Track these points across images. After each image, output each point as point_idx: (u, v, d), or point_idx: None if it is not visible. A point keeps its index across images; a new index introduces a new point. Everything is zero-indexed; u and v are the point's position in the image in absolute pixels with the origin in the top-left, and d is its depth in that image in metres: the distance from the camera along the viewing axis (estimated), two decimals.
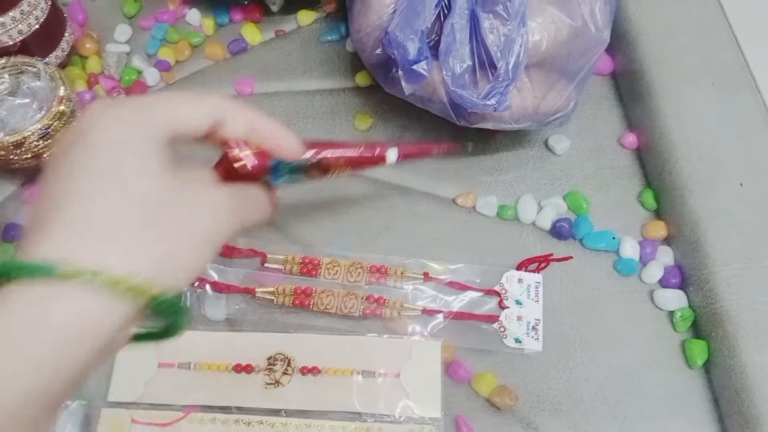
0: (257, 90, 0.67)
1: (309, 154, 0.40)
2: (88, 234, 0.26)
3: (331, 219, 0.59)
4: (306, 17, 0.71)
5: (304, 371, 0.50)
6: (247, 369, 0.50)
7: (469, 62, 0.50)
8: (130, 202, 0.27)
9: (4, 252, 0.58)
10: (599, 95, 0.65)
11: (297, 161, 0.39)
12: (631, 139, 0.62)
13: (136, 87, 0.67)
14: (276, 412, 0.49)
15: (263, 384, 0.50)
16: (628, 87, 0.64)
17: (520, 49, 0.49)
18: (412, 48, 0.49)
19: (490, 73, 0.52)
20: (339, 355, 0.51)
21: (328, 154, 0.42)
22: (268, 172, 0.39)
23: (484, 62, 0.52)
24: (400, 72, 0.52)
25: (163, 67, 0.69)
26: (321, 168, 0.42)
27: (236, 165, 0.33)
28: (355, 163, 0.44)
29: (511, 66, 0.50)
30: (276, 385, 0.50)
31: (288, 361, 0.51)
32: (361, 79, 0.67)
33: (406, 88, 0.52)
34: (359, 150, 0.44)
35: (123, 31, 0.70)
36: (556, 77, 0.54)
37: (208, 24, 0.71)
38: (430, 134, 0.63)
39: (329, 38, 0.70)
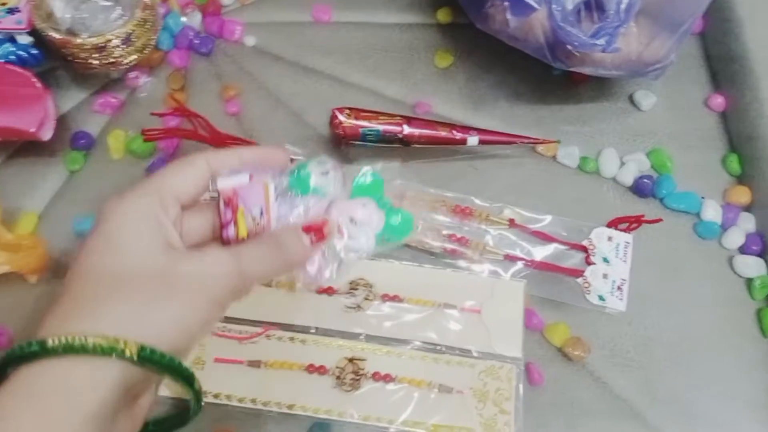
0: (335, 18, 0.65)
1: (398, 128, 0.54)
2: (85, 306, 0.30)
3: (413, 154, 0.57)
4: None
5: (386, 298, 0.50)
6: (329, 291, 0.50)
7: None
8: (128, 277, 0.31)
9: (73, 161, 0.57)
10: (687, 54, 0.64)
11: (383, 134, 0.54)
12: (718, 100, 0.61)
13: (210, 6, 0.65)
14: (355, 336, 0.49)
15: (344, 307, 0.50)
16: (719, 47, 0.62)
17: None
18: None
19: (596, 16, 0.50)
20: (421, 286, 0.50)
21: (414, 132, 0.54)
22: (359, 137, 0.54)
23: (591, 3, 0.50)
24: (506, 3, 0.50)
25: None
26: (404, 141, 0.55)
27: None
28: (436, 142, 0.56)
29: (623, 6, 0.48)
30: (357, 309, 0.49)
31: (370, 287, 0.50)
32: (443, 16, 0.65)
33: (512, 20, 0.50)
34: (442, 131, 0.55)
35: None
36: (660, 27, 0.52)
37: None
38: (512, 75, 0.62)
39: None
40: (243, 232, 0.35)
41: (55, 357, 0.28)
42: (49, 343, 0.28)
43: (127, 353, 0.29)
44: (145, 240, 0.32)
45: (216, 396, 0.47)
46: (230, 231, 0.36)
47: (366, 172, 0.39)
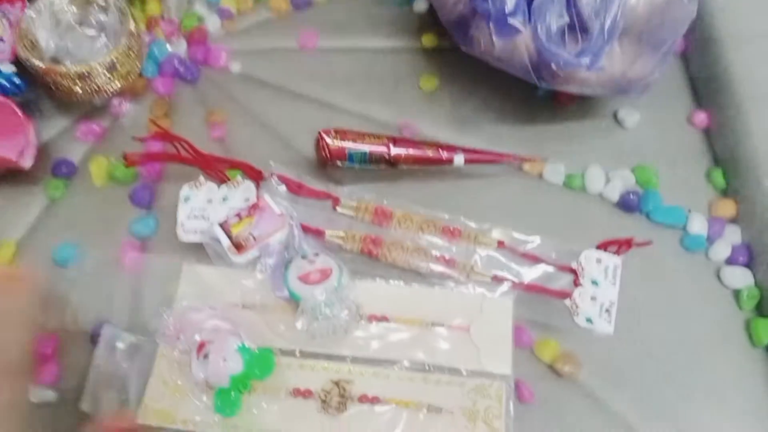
0: (321, 44, 0.66)
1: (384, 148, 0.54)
2: None
3: (401, 175, 0.57)
4: None
5: (372, 318, 0.49)
6: None
7: (566, 19, 0.49)
8: None
9: (54, 188, 0.57)
10: (670, 73, 0.64)
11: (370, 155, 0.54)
12: (701, 117, 0.61)
13: (196, 34, 0.66)
14: (341, 358, 0.48)
15: None
16: (701, 66, 0.63)
17: (617, 11, 0.48)
18: (510, 1, 0.48)
19: (580, 36, 0.51)
20: (408, 306, 0.50)
21: (401, 152, 0.54)
22: (345, 158, 0.54)
23: (575, 24, 0.51)
24: (491, 26, 0.51)
25: (225, 15, 0.68)
26: (390, 162, 0.54)
27: None
28: (422, 162, 0.55)
29: (607, 27, 0.49)
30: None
31: (356, 307, 0.49)
32: (428, 41, 0.66)
33: (497, 43, 0.51)
34: (429, 151, 0.55)
35: None
36: (644, 46, 0.53)
37: None
38: (497, 97, 0.63)
39: None
40: None
41: None
42: None
43: None
44: None
45: (184, 423, 0.45)
46: None
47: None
